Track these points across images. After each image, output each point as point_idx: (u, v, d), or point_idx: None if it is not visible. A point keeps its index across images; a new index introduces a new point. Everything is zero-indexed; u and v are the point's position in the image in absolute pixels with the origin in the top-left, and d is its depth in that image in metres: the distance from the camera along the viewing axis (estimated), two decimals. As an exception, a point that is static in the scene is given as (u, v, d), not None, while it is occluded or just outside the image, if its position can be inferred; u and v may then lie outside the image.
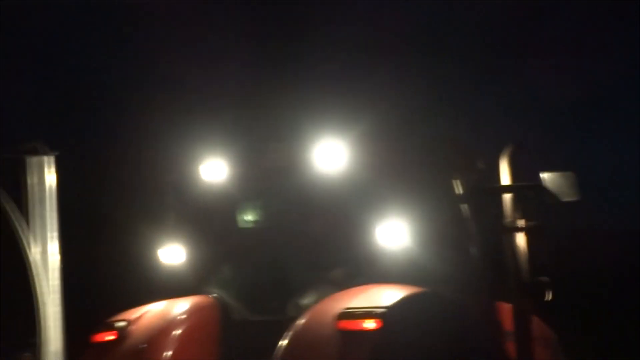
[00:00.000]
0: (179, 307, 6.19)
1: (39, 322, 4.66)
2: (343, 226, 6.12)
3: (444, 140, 6.30)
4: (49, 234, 4.89)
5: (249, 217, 6.33)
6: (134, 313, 6.17)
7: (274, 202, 6.31)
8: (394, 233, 5.96)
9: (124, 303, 6.21)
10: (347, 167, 6.08)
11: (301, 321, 5.51)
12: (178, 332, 6.02)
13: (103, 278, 5.22)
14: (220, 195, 6.40)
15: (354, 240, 6.09)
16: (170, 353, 5.89)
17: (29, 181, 4.83)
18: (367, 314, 5.24)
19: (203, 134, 6.31)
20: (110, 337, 5.96)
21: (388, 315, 5.21)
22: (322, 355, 5.23)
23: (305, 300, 6.12)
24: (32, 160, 4.85)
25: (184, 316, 6.10)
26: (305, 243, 6.22)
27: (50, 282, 4.76)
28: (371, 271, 5.95)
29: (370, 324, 5.21)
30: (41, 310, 4.62)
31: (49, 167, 4.93)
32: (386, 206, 6.02)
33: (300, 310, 6.06)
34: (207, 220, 6.47)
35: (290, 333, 5.47)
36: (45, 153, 4.89)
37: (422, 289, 5.55)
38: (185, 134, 6.34)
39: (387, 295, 5.43)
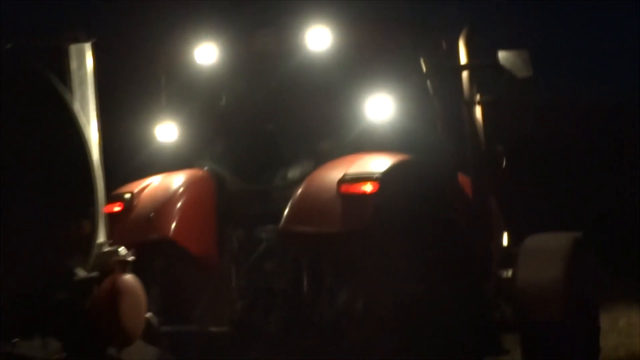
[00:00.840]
0: (178, 179, 6.80)
1: (96, 190, 5.25)
2: (329, 103, 6.83)
3: (413, 23, 7.02)
4: (90, 115, 5.44)
5: (239, 96, 6.94)
6: (137, 186, 6.77)
7: (265, 83, 6.93)
8: (376, 108, 6.72)
9: (127, 177, 6.81)
10: (333, 49, 6.75)
11: (303, 187, 6.24)
12: (180, 202, 6.66)
13: (109, 154, 5.79)
14: (212, 77, 6.98)
15: (340, 115, 6.81)
16: (174, 222, 6.55)
17: (71, 67, 5.34)
18: (365, 178, 6.01)
19: (196, 19, 6.80)
20: (117, 208, 6.56)
21: (383, 179, 6.00)
22: (327, 217, 6.00)
23: (296, 170, 6.86)
24: (74, 48, 5.35)
25: (183, 187, 6.73)
26: (295, 119, 6.91)
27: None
28: (357, 142, 6.70)
29: (368, 187, 5.99)
30: (97, 182, 5.22)
31: (88, 53, 5.45)
32: (368, 84, 6.76)
33: (290, 180, 6.83)
34: (200, 100, 7.06)
35: (295, 198, 6.20)
36: (85, 40, 5.39)
37: (407, 157, 6.36)
38: (178, 20, 6.82)
39: (378, 162, 6.20)
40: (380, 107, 6.70)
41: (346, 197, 5.93)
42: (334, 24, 6.69)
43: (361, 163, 6.16)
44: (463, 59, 7.03)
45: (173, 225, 6.45)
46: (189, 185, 6.72)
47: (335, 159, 6.43)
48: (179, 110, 6.93)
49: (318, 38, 6.71)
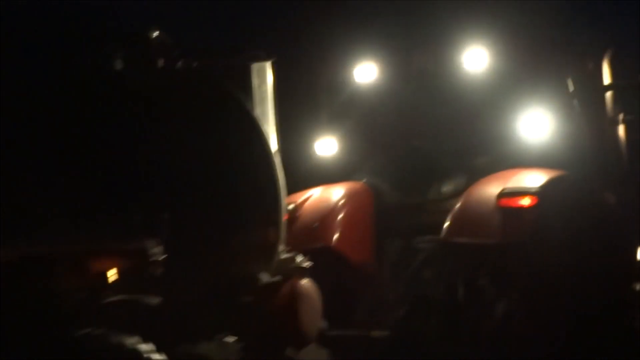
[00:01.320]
0: (338, 192, 7.19)
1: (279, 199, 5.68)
2: (483, 121, 7.13)
3: (561, 44, 7.25)
4: (270, 129, 5.88)
5: (397, 113, 7.31)
6: (300, 197, 7.20)
7: (422, 100, 7.28)
8: (528, 125, 6.99)
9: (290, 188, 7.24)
10: (489, 70, 7.06)
11: (463, 200, 6.53)
12: (341, 213, 7.04)
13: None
14: (371, 94, 7.37)
15: (493, 132, 7.11)
16: (336, 232, 6.93)
17: (253, 84, 5.80)
18: (524, 192, 6.27)
19: (357, 39, 7.20)
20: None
21: (540, 193, 6.25)
22: (487, 228, 6.27)
23: (451, 185, 7.17)
24: (255, 66, 5.80)
25: (344, 199, 7.11)
26: (450, 136, 7.23)
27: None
28: (510, 158, 6.98)
29: (526, 201, 6.25)
30: (280, 191, 5.65)
31: (269, 71, 5.90)
32: (519, 102, 7.03)
33: (445, 194, 7.14)
34: (359, 116, 7.46)
35: (455, 211, 6.50)
36: (265, 59, 5.84)
37: (561, 173, 6.59)
38: (340, 40, 7.22)
39: (534, 178, 6.44)
40: (532, 124, 6.96)
41: (505, 210, 6.19)
42: (488, 44, 6.99)
43: (518, 178, 6.42)
44: (607, 79, 7.23)
45: (335, 235, 6.83)
46: (349, 197, 7.10)
47: (490, 175, 6.71)
48: (339, 125, 7.34)
49: (473, 58, 7.03)
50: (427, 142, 7.26)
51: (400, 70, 7.24)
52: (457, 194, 6.85)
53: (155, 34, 5.43)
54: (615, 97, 7.26)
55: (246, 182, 5.38)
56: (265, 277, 5.48)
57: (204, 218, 5.25)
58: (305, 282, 5.74)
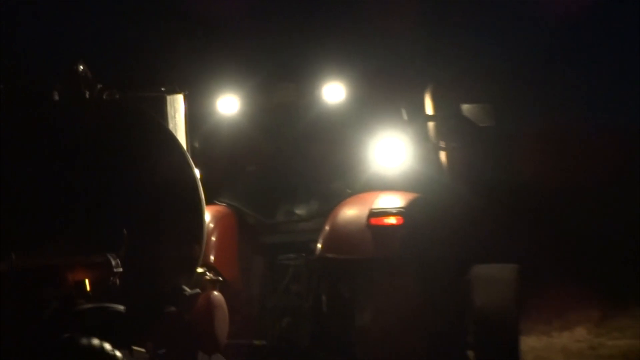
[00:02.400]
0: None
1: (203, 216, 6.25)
2: (340, 147, 8.04)
3: (401, 80, 8.35)
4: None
5: (259, 142, 8.04)
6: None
7: (283, 129, 8.08)
8: (380, 152, 7.97)
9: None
10: (344, 102, 8.00)
11: (333, 221, 7.37)
12: (211, 234, 7.62)
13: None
14: (234, 124, 8.08)
15: (349, 158, 8.02)
16: (211, 251, 7.50)
17: (169, 113, 6.34)
18: (391, 212, 7.24)
19: (220, 72, 7.88)
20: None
21: (406, 213, 7.26)
22: (361, 245, 7.16)
23: (310, 207, 8.01)
24: (170, 98, 6.36)
25: (212, 222, 7.72)
26: (308, 162, 8.07)
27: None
28: (363, 182, 7.92)
29: (394, 220, 7.23)
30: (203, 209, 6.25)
31: (182, 102, 6.47)
32: (371, 132, 8.03)
33: (305, 215, 7.96)
34: (221, 145, 8.12)
35: (327, 230, 7.34)
36: (180, 92, 6.40)
37: (416, 195, 7.64)
38: (202, 71, 7.86)
39: (397, 199, 7.40)
40: (381, 151, 7.95)
41: (375, 228, 7.12)
42: (344, 80, 7.94)
43: (382, 200, 7.36)
44: (429, 110, 8.38)
45: (210, 254, 7.42)
46: (215, 218, 7.72)
47: (351, 197, 7.62)
48: (204, 154, 7.94)
49: (331, 92, 7.95)
50: (286, 168, 8.04)
51: (263, 103, 7.98)
52: (315, 215, 7.71)
53: (81, 67, 5.86)
54: (437, 127, 8.38)
55: (173, 203, 5.92)
56: (187, 289, 6.03)
57: (138, 235, 5.73)
58: (217, 294, 6.34)
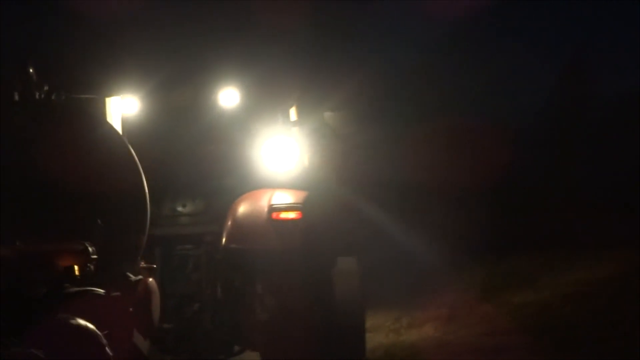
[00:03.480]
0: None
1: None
2: (232, 148, 9.79)
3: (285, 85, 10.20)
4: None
5: (156, 140, 9.61)
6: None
7: (180, 130, 9.73)
8: (270, 153, 9.80)
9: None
10: (237, 106, 9.77)
11: (234, 215, 9.02)
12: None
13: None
14: (132, 123, 9.64)
15: (238, 159, 9.79)
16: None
17: (107, 114, 7.89)
18: (292, 208, 9.05)
19: (120, 70, 9.42)
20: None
21: (303, 208, 9.10)
22: (263, 237, 8.86)
23: (203, 202, 9.68)
24: (108, 99, 7.92)
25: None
26: (202, 160, 9.75)
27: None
28: (257, 180, 9.70)
29: (294, 214, 9.05)
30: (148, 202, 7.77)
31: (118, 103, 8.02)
32: (261, 134, 9.84)
33: (197, 209, 9.62)
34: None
35: (230, 223, 9.00)
36: (116, 94, 7.96)
37: (309, 192, 9.48)
38: (102, 70, 9.36)
39: (294, 196, 9.20)
40: (272, 152, 9.78)
41: (277, 222, 8.90)
42: (237, 85, 9.71)
43: (280, 196, 9.14)
44: (293, 117, 10.29)
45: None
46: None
47: (248, 193, 9.36)
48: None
49: (226, 96, 9.71)
50: (182, 166, 9.69)
51: (160, 104, 9.60)
52: (210, 210, 9.41)
53: (31, 70, 7.32)
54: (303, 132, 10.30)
55: (122, 196, 7.48)
56: (132, 276, 7.61)
57: (93, 225, 7.26)
58: (152, 280, 7.95)
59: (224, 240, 8.62)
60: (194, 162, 9.40)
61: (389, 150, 16.17)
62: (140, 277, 7.40)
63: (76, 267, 6.40)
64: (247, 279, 8.76)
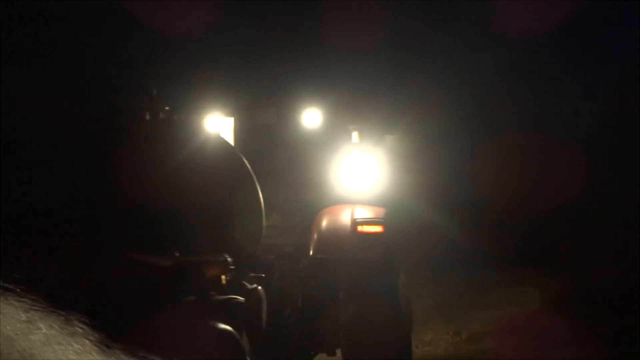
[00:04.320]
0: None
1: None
2: (309, 168, 11.51)
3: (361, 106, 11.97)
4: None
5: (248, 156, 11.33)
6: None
7: (264, 148, 11.48)
8: (347, 171, 11.53)
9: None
10: (320, 126, 11.54)
11: (318, 228, 10.70)
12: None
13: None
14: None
15: (318, 176, 11.50)
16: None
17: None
18: (375, 222, 10.74)
19: (208, 91, 11.19)
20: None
21: (385, 222, 10.82)
22: (349, 249, 10.47)
23: (286, 215, 11.39)
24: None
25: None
26: (284, 179, 11.49)
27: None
28: (332, 196, 11.43)
29: (378, 228, 10.74)
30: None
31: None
32: (339, 153, 11.58)
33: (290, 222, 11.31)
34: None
35: (317, 236, 10.69)
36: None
37: (385, 207, 11.21)
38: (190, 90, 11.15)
39: (372, 211, 10.94)
40: (348, 170, 11.52)
41: (362, 235, 10.59)
42: (320, 107, 11.48)
43: (360, 211, 10.85)
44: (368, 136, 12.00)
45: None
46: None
47: (328, 208, 11.09)
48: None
49: (305, 116, 11.48)
50: (266, 182, 11.41)
51: (246, 122, 11.37)
52: (290, 223, 11.13)
53: (155, 92, 9.07)
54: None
55: (243, 208, 9.13)
56: (248, 285, 9.20)
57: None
58: (261, 289, 9.41)
59: (311, 251, 10.27)
60: (277, 178, 11.10)
61: (459, 167, 18.05)
62: (255, 285, 8.85)
63: (223, 277, 7.87)
64: (330, 287, 10.43)
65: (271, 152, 11.01)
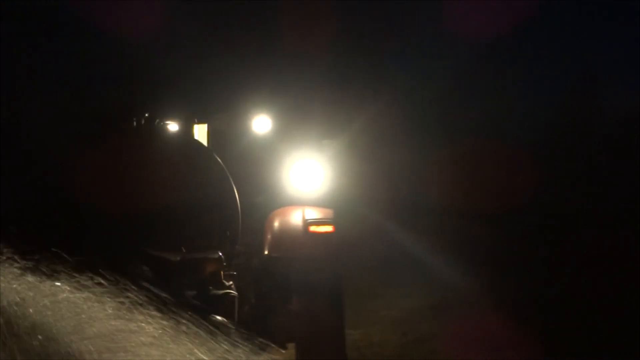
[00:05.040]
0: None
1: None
2: (260, 171, 13.13)
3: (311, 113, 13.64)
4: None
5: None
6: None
7: (219, 152, 13.08)
8: (296, 173, 13.16)
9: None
10: (270, 131, 13.19)
11: (272, 228, 12.36)
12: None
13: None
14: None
15: (268, 180, 13.15)
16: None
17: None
18: (326, 222, 12.34)
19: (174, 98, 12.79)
20: None
21: (334, 222, 12.44)
22: (302, 247, 11.95)
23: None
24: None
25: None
26: (239, 180, 13.09)
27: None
28: (282, 198, 13.03)
29: (329, 228, 12.35)
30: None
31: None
32: (290, 156, 13.22)
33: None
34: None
35: (271, 235, 12.33)
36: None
37: (333, 209, 12.83)
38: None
39: (322, 213, 12.56)
40: (297, 173, 13.16)
41: (314, 235, 12.01)
42: (270, 112, 13.13)
43: (311, 213, 12.46)
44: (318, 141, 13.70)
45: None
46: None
47: (279, 209, 12.69)
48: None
49: (256, 122, 13.13)
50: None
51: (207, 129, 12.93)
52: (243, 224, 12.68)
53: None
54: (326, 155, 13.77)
55: (222, 209, 10.64)
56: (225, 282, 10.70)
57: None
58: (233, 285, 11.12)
59: (265, 250, 11.85)
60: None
61: (406, 171, 19.85)
62: (230, 283, 10.23)
63: (222, 273, 9.27)
64: (282, 284, 11.99)
65: (224, 157, 12.60)
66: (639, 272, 17.01)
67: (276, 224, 11.84)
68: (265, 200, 12.43)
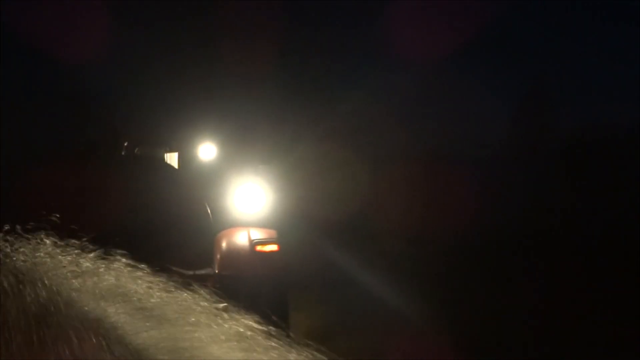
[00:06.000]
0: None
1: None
2: (210, 192, 15.64)
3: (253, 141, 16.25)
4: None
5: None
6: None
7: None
8: (240, 197, 15.71)
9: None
10: (216, 158, 15.75)
11: (221, 247, 14.87)
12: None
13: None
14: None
15: (216, 201, 15.62)
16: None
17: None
18: (271, 242, 14.82)
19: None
20: None
21: (279, 242, 14.96)
22: (249, 266, 14.53)
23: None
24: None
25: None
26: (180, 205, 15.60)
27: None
28: (230, 219, 15.54)
29: (274, 247, 14.85)
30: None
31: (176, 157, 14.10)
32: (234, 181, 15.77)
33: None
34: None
35: (220, 254, 14.84)
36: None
37: (275, 229, 15.36)
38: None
39: (267, 233, 15.12)
40: (241, 197, 15.71)
41: (261, 254, 14.49)
42: (214, 140, 15.70)
43: (256, 233, 15.01)
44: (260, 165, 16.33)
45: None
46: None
47: (226, 230, 15.21)
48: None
49: (202, 149, 15.69)
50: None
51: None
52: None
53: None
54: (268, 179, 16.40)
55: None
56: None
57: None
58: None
59: (216, 268, 14.35)
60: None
61: (348, 191, 22.44)
62: None
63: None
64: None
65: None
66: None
67: (224, 244, 13.98)
68: (212, 222, 14.74)
